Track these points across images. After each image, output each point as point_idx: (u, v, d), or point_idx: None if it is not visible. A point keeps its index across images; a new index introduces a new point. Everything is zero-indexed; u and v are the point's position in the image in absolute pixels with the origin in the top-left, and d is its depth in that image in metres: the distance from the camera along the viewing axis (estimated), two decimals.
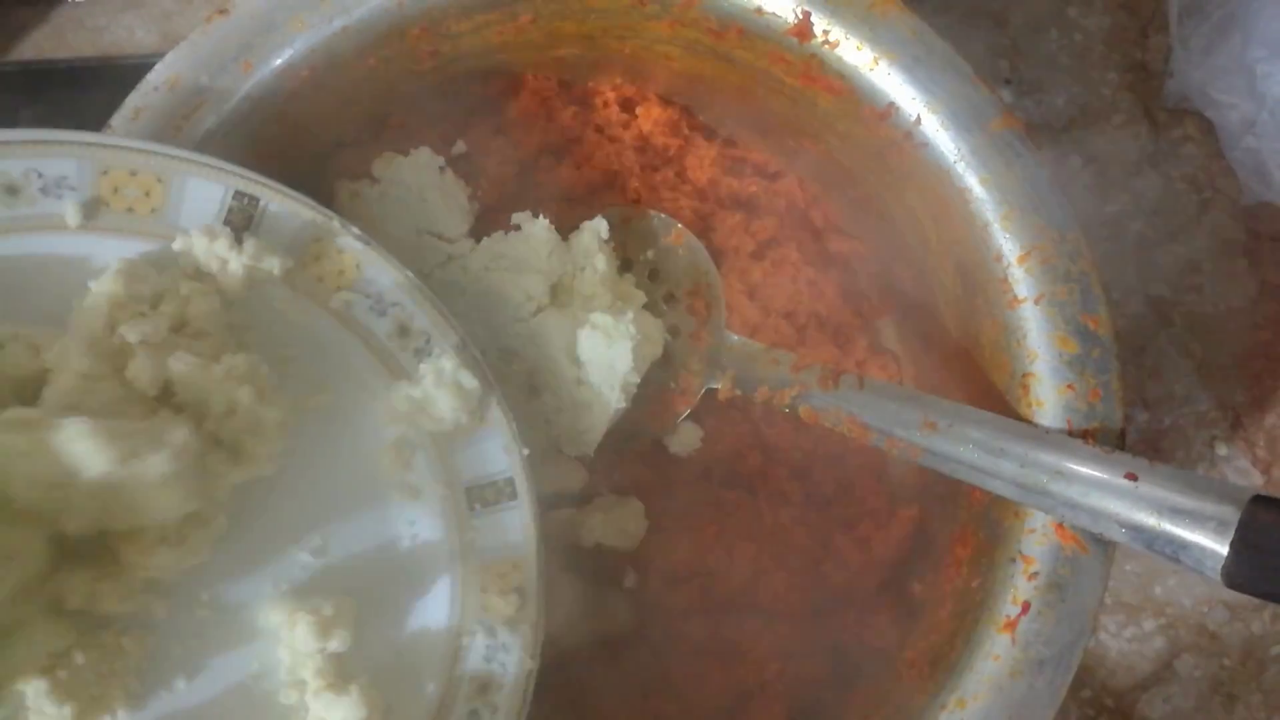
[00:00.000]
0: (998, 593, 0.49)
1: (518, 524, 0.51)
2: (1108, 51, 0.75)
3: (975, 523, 0.55)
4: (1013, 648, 0.48)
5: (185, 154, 0.48)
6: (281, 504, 0.48)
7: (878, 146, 0.56)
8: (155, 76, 0.53)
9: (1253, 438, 0.71)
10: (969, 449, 0.49)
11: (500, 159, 0.63)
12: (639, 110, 0.64)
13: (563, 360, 0.58)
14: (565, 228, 0.59)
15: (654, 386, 0.60)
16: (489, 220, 0.61)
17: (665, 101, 0.65)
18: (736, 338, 0.60)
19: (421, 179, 0.59)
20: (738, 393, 0.58)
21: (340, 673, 0.46)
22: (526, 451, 0.51)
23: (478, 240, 0.60)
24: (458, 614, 0.50)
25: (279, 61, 0.55)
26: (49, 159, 0.46)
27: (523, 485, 0.51)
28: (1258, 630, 0.68)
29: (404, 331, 0.51)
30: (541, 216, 0.58)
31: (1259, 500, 0.42)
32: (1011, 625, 0.48)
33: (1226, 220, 0.73)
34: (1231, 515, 0.42)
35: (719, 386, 0.59)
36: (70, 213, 0.46)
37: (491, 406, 0.51)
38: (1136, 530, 0.45)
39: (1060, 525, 0.48)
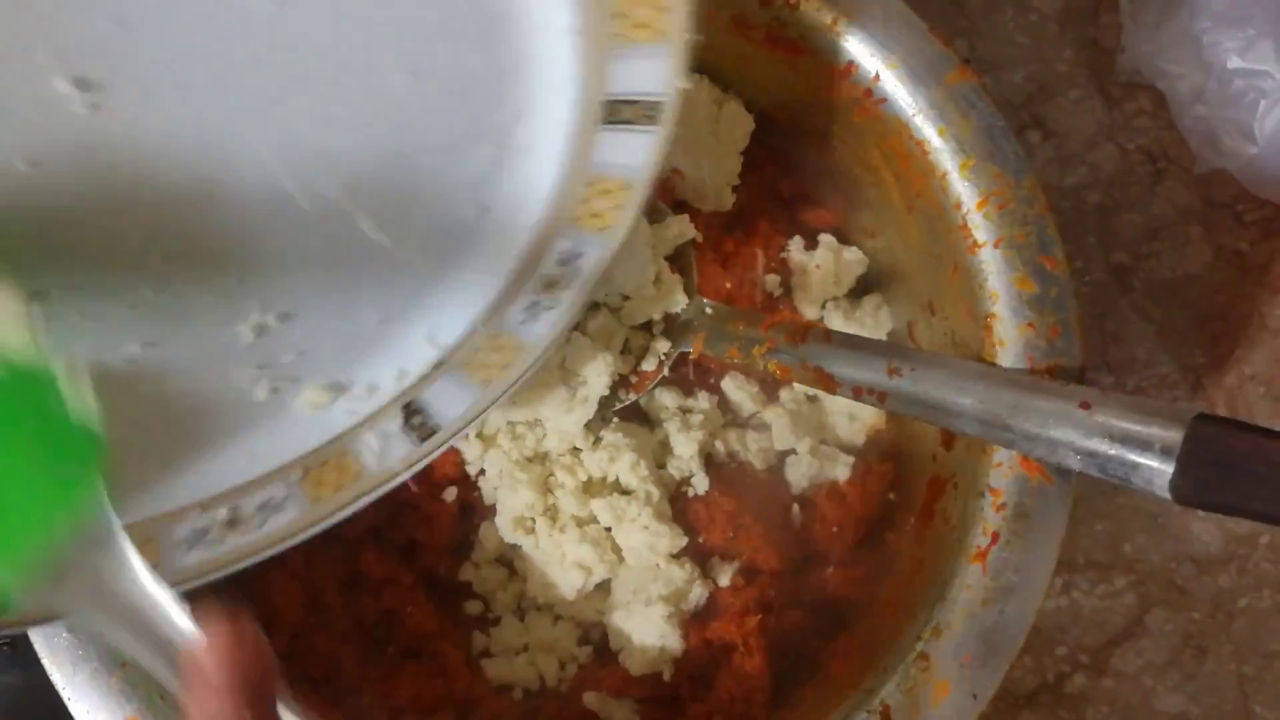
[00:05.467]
0: (969, 526, 0.51)
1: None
2: (1062, 30, 0.77)
3: (946, 469, 0.56)
4: (983, 577, 0.49)
5: None
6: None
7: (840, 106, 0.58)
8: None
9: (1213, 398, 0.73)
10: (931, 389, 0.51)
11: None
12: None
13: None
14: None
15: (629, 354, 0.61)
16: None
17: None
18: (708, 302, 0.61)
19: None
20: (708, 353, 0.60)
21: None
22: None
23: None
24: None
25: None
26: None
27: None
28: (1225, 584, 0.70)
29: None
30: None
31: (1203, 418, 0.44)
32: (982, 555, 0.50)
33: (1181, 189, 0.75)
34: (1178, 434, 0.43)
35: (689, 350, 0.60)
36: None
37: None
38: (1091, 456, 0.46)
39: (1025, 459, 0.50)
